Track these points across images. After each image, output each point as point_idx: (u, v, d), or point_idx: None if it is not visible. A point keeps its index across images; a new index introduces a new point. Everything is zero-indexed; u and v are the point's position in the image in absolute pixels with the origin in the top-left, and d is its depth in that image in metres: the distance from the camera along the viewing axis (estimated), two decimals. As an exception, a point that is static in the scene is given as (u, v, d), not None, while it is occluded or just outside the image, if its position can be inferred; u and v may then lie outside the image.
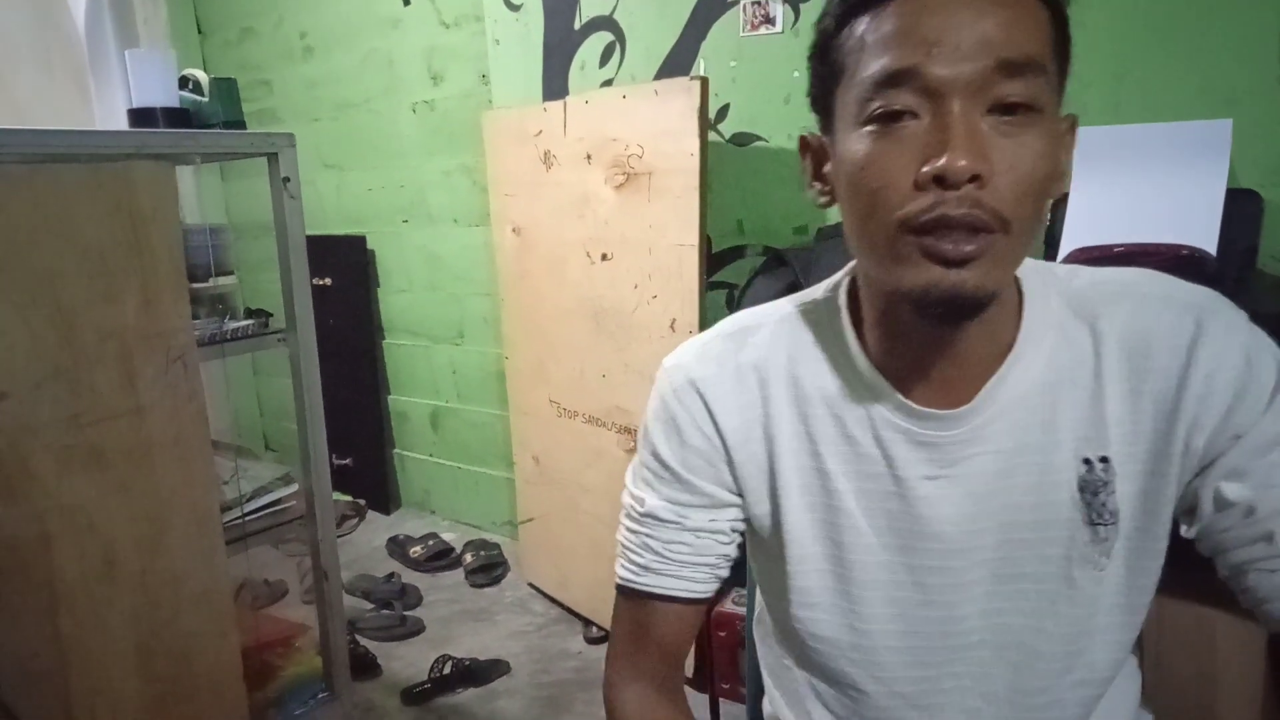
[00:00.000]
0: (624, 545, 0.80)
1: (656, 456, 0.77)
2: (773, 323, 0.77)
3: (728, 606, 1.82)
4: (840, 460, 0.72)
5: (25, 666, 1.31)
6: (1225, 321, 0.65)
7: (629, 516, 0.80)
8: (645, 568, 0.78)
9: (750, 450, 0.75)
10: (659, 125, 1.95)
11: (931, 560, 0.71)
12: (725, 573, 0.80)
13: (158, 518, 1.44)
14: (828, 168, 0.68)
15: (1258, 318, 0.68)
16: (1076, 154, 0.68)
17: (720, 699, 1.49)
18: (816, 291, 0.77)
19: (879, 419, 0.71)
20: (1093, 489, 0.68)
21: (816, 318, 0.76)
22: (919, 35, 0.58)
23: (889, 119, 0.59)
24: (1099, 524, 0.68)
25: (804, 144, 0.71)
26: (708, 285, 2.04)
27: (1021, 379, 0.68)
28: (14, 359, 1.27)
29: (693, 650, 1.76)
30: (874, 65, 0.59)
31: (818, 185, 0.70)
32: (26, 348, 1.28)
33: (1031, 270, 0.71)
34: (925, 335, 0.67)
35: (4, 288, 1.25)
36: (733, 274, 2.24)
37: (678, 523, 0.77)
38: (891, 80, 0.59)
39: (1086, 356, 0.68)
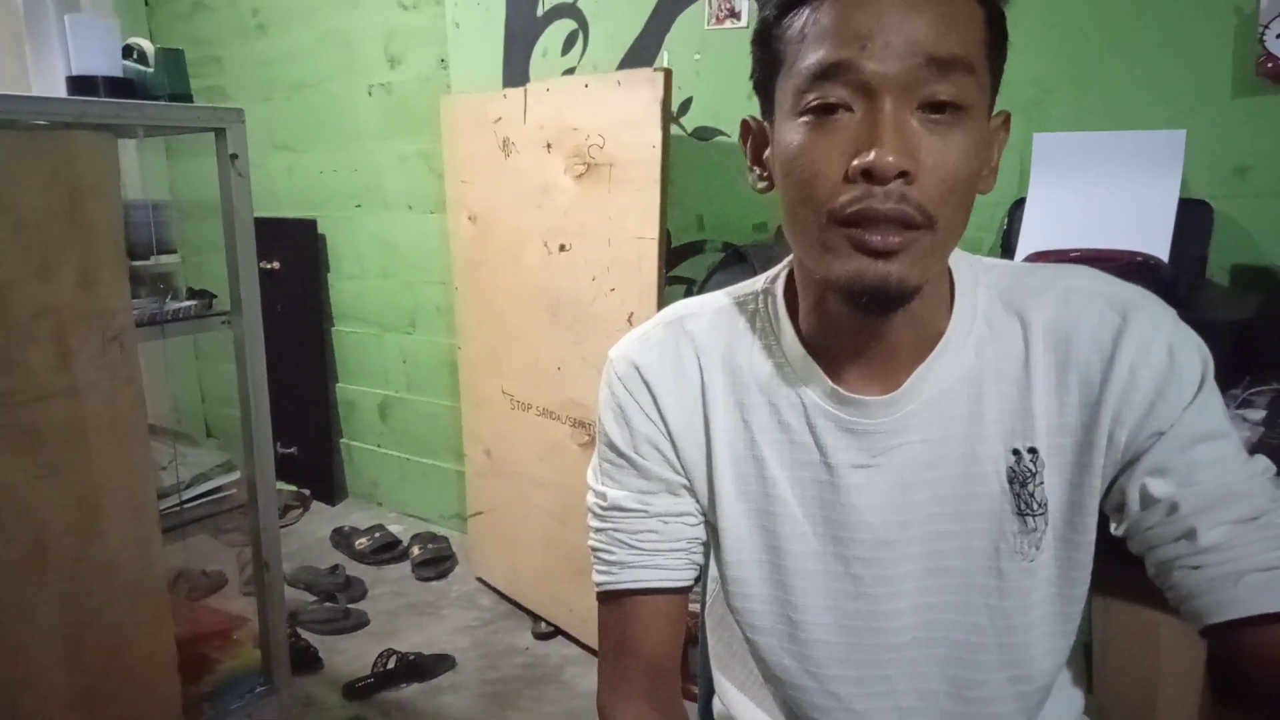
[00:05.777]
0: (595, 549, 0.79)
1: (612, 446, 0.77)
2: (711, 312, 0.78)
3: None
4: (775, 448, 0.73)
5: (-57, 657, 1.26)
6: (1151, 317, 0.66)
7: (595, 515, 0.79)
8: (619, 563, 0.77)
9: (692, 437, 0.75)
10: (621, 116, 1.92)
11: (862, 551, 0.71)
12: (699, 556, 0.79)
13: (91, 503, 1.39)
14: (767, 153, 0.69)
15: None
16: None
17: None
18: (756, 283, 0.78)
19: (811, 405, 0.71)
20: (1021, 479, 0.68)
21: (755, 307, 0.77)
22: (853, 30, 0.59)
23: (823, 111, 0.61)
24: (1027, 514, 0.69)
25: (745, 128, 0.72)
26: (666, 280, 2.03)
27: (949, 370, 0.69)
28: (-62, 334, 1.21)
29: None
30: (810, 58, 0.61)
31: (757, 170, 0.71)
32: (-48, 322, 1.22)
33: (963, 262, 0.72)
34: (855, 323, 0.68)
35: (-72, 258, 1.19)
36: (691, 269, 2.23)
37: (643, 510, 0.76)
38: (826, 74, 0.60)
39: (1016, 349, 0.68)
